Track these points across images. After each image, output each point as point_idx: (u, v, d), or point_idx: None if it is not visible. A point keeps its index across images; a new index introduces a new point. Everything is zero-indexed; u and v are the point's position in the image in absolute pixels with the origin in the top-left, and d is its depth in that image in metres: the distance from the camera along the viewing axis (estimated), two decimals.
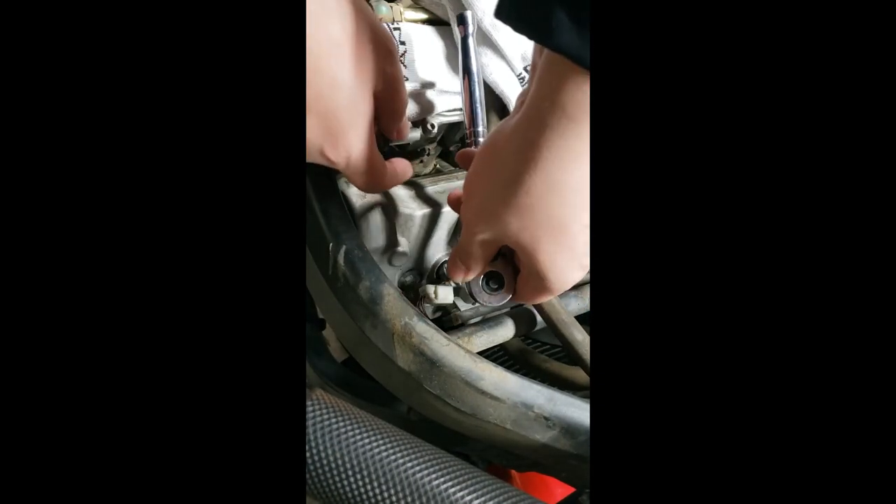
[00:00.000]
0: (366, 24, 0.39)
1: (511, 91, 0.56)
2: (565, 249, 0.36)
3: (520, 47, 0.55)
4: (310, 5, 0.35)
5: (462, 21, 0.50)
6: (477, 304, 0.54)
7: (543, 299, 0.43)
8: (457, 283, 0.53)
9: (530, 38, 0.31)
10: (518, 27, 0.31)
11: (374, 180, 0.44)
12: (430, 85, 0.54)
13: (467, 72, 0.50)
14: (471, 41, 0.50)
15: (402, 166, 0.48)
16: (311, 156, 0.40)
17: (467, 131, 0.50)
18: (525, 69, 0.56)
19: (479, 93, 0.50)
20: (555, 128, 0.31)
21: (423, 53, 0.55)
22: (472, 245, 0.41)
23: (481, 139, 0.50)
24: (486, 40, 0.53)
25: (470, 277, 0.44)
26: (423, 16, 0.58)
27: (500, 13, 0.32)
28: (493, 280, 0.44)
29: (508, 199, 0.35)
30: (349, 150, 0.40)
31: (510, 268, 0.44)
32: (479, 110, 0.50)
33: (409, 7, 0.58)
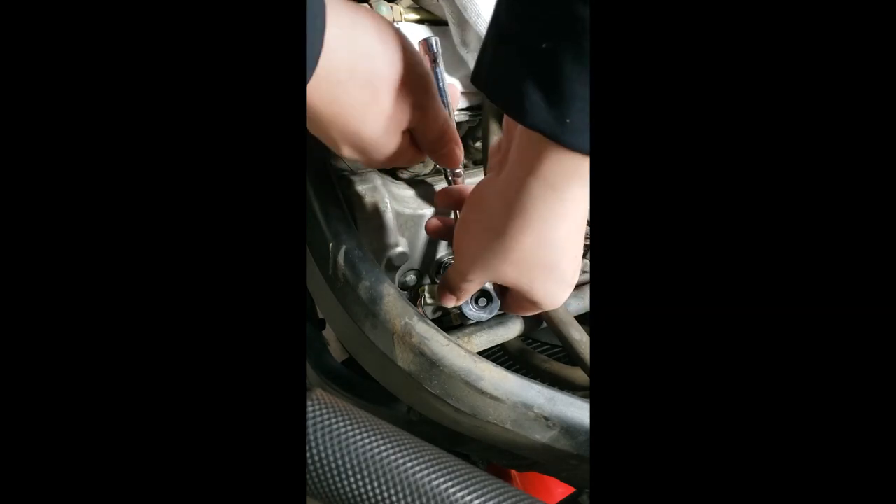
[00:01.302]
0: (407, 63, 0.38)
1: None
2: (557, 281, 0.39)
3: None
4: (351, 46, 0.35)
5: (428, 48, 0.46)
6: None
7: (533, 314, 0.46)
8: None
9: (507, 113, 0.33)
10: (494, 100, 0.33)
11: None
12: None
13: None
14: (440, 69, 0.46)
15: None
16: (349, 158, 0.43)
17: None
18: None
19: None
20: (539, 196, 0.34)
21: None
22: (464, 282, 0.43)
23: (459, 170, 0.50)
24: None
25: (460, 303, 0.47)
26: (423, 16, 0.58)
27: (477, 82, 0.34)
28: (482, 297, 0.47)
29: (503, 253, 0.37)
30: (382, 165, 0.44)
31: (496, 284, 0.46)
32: None
33: (409, 7, 0.58)
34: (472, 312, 0.47)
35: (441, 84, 0.46)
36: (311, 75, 0.34)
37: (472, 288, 0.44)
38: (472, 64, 0.53)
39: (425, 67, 0.41)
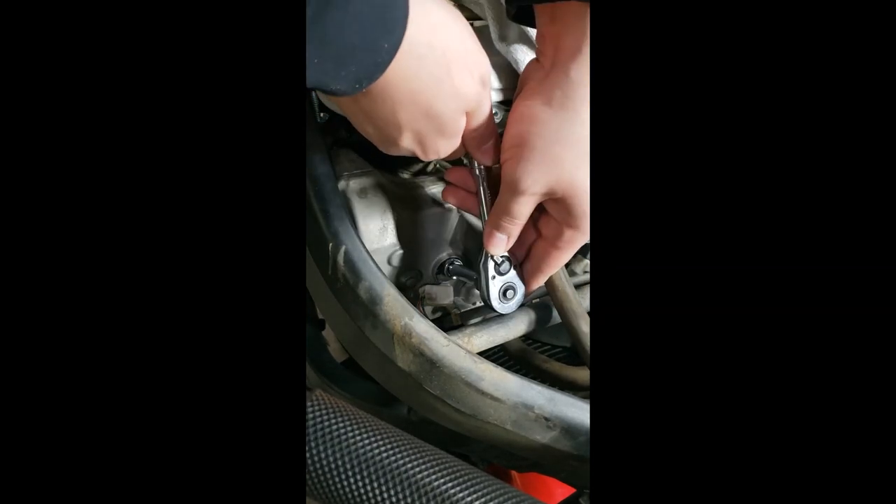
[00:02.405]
0: (471, 36, 0.39)
1: None
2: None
3: None
4: (428, 18, 0.35)
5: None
6: (477, 304, 0.55)
7: (581, 241, 0.45)
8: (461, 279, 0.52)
9: None
10: None
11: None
12: None
13: None
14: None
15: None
16: (402, 152, 0.42)
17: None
18: None
19: None
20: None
21: None
22: (518, 206, 0.43)
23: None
24: (523, 35, 0.53)
25: (509, 246, 0.46)
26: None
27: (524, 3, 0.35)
28: (509, 289, 0.48)
29: (569, 137, 0.39)
30: (438, 155, 0.44)
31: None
32: None
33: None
34: (502, 306, 0.48)
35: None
36: (397, 49, 0.33)
37: (524, 215, 0.43)
38: (511, 56, 0.53)
39: (482, 54, 0.41)
